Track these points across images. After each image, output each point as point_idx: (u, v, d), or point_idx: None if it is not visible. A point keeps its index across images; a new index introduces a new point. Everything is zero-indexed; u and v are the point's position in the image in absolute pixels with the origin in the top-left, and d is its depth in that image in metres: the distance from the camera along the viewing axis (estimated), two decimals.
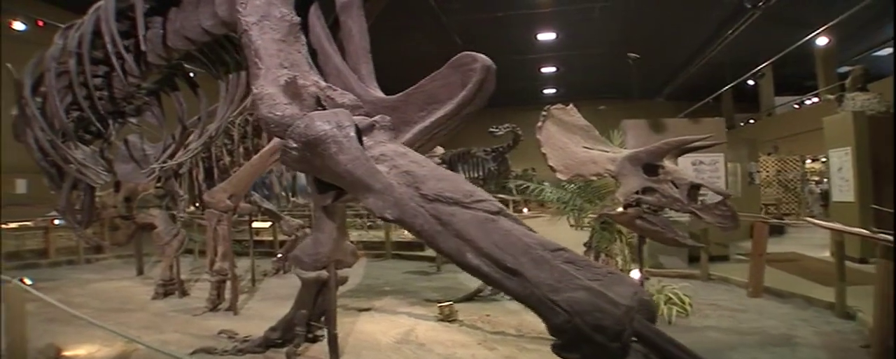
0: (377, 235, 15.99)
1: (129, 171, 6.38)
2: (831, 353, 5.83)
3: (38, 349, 5.97)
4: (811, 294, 7.89)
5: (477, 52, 2.81)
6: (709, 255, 9.93)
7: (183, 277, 9.70)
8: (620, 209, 5.35)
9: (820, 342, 6.14)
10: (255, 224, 12.25)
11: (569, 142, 5.88)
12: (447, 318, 7.26)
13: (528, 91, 35.15)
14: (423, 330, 6.92)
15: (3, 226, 13.33)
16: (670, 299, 7.20)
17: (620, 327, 1.93)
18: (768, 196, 20.61)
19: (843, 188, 11.21)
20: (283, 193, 10.72)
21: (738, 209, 4.96)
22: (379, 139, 2.71)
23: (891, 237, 5.62)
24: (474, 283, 8.64)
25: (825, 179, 20.11)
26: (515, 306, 7.67)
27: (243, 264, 10.01)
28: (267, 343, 5.83)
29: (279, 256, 11.77)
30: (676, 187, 4.99)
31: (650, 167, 5.20)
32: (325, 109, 2.88)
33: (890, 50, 25.29)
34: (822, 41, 21.68)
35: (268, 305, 8.45)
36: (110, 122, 5.77)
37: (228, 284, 8.16)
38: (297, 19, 3.27)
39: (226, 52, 4.85)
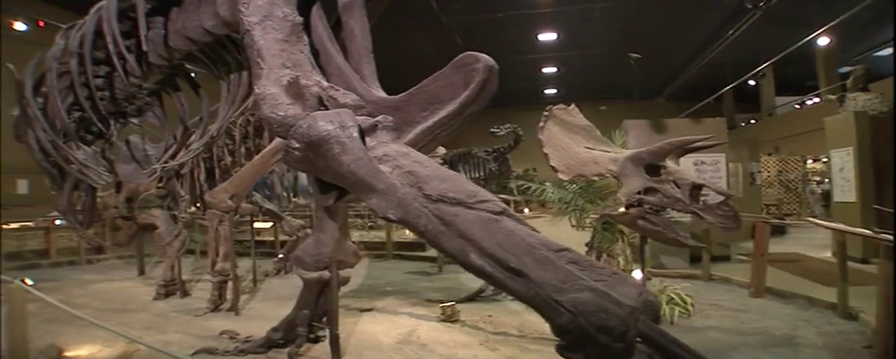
0: (378, 235, 15.98)
1: (130, 171, 6.38)
2: (834, 353, 5.81)
3: (39, 350, 5.96)
4: (813, 295, 7.88)
5: (478, 52, 2.81)
6: (710, 255, 9.91)
7: (184, 277, 9.69)
8: (622, 209, 5.34)
9: (822, 343, 6.13)
10: (256, 224, 12.24)
11: (571, 142, 5.87)
12: (449, 318, 7.25)
13: (528, 91, 35.12)
14: (425, 330, 6.91)
15: (5, 226, 13.32)
16: (672, 299, 7.19)
17: (625, 327, 1.93)
18: (769, 196, 20.60)
19: (845, 188, 11.20)
20: (285, 194, 10.71)
21: (740, 210, 4.95)
22: (382, 139, 2.71)
23: (893, 237, 5.62)
24: (476, 283, 8.64)
25: (826, 180, 20.11)
26: (517, 306, 7.66)
27: (245, 265, 10.00)
28: (269, 344, 5.82)
29: (280, 256, 11.77)
30: (678, 188, 4.98)
31: (652, 167, 5.19)
32: (327, 110, 2.87)
33: (890, 50, 25.26)
34: (823, 41, 21.69)
35: (269, 305, 8.44)
36: (112, 122, 5.77)
37: (230, 284, 8.14)
38: (300, 19, 3.26)
39: (227, 52, 4.85)
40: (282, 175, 10.48)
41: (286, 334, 5.72)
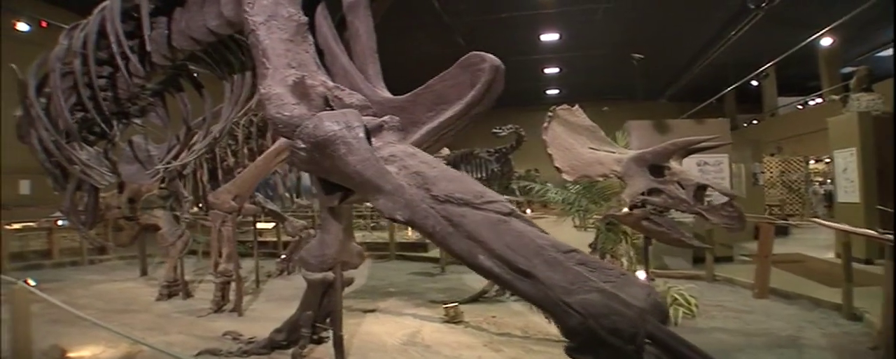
0: (381, 236, 15.98)
1: (133, 172, 6.39)
2: (839, 355, 5.79)
3: (42, 351, 5.95)
4: (817, 295, 7.85)
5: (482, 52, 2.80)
6: (714, 256, 9.89)
7: (187, 278, 9.68)
8: (626, 210, 5.33)
9: (827, 344, 6.10)
10: (259, 225, 12.23)
11: (575, 143, 5.86)
12: (453, 319, 7.23)
13: (531, 92, 35.10)
14: (429, 331, 6.89)
15: (7, 227, 13.31)
16: (676, 300, 7.17)
17: (635, 329, 1.91)
18: (772, 197, 20.58)
19: (848, 189, 11.18)
20: (288, 194, 10.69)
21: (742, 210, 4.93)
22: (388, 140, 2.69)
23: (894, 237, 5.62)
24: (479, 284, 8.62)
25: (829, 180, 20.10)
26: (521, 307, 7.65)
27: (247, 265, 9.98)
28: (272, 345, 5.81)
29: (283, 257, 11.76)
30: (683, 188, 4.97)
31: (656, 168, 5.19)
32: (333, 110, 2.86)
33: (892, 51, 25.24)
34: (825, 42, 21.66)
35: (272, 306, 8.43)
36: (115, 122, 5.76)
37: (233, 285, 8.13)
38: (305, 19, 3.25)
39: (230, 52, 4.85)
40: (284, 176, 10.46)
41: (290, 335, 5.70)
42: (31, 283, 5.23)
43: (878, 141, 10.62)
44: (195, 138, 5.77)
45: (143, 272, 11.81)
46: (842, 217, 10.98)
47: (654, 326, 1.97)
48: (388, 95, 3.23)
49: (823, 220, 14.07)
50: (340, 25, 3.70)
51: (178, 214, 9.52)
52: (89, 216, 6.89)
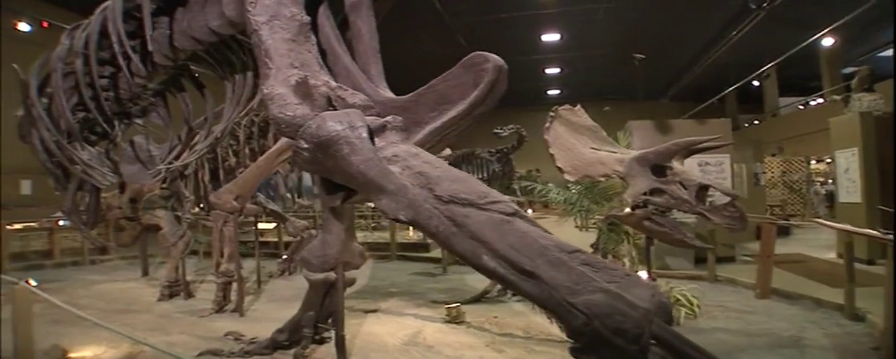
0: (382, 236, 15.97)
1: (134, 172, 6.38)
2: (841, 355, 5.78)
3: (43, 351, 5.95)
4: (819, 296, 7.84)
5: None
6: (715, 256, 9.88)
7: (188, 278, 9.68)
8: (628, 210, 5.32)
9: (830, 344, 6.09)
10: (260, 225, 12.23)
11: (577, 143, 5.86)
12: (454, 320, 7.23)
13: (532, 92, 35.07)
14: (431, 332, 6.89)
15: (8, 227, 13.31)
16: (678, 300, 7.16)
17: (640, 329, 1.90)
18: (773, 197, 20.56)
19: (850, 189, 11.17)
20: (289, 195, 10.69)
21: (744, 210, 4.92)
22: (391, 140, 2.69)
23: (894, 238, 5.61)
24: (480, 284, 8.61)
25: (830, 180, 20.08)
26: (523, 307, 7.65)
27: (249, 266, 9.98)
28: (274, 345, 5.80)
29: (285, 257, 11.75)
30: (685, 189, 4.96)
31: (658, 168, 5.18)
32: (336, 110, 2.86)
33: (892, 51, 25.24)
34: (827, 42, 21.64)
35: (274, 306, 8.42)
36: (116, 122, 5.76)
37: (234, 285, 8.12)
38: (307, 19, 3.25)
39: (232, 52, 4.85)
40: (286, 176, 10.46)
41: (291, 335, 5.69)
42: (32, 283, 5.22)
43: (881, 141, 10.61)
44: (197, 138, 5.76)
45: (145, 272, 11.80)
46: (843, 217, 10.97)
47: (659, 326, 1.96)
48: (390, 95, 3.22)
49: (825, 220, 14.06)
50: (343, 25, 3.70)
51: (179, 214, 9.51)
52: (91, 216, 6.89)
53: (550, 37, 25.27)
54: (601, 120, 6.52)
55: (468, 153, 12.06)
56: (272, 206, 10.81)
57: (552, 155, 5.67)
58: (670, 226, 5.17)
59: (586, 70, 31.47)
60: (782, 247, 11.58)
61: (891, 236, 5.82)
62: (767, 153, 22.27)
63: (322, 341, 5.77)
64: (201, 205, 9.32)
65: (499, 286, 8.25)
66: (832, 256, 11.41)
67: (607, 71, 30.77)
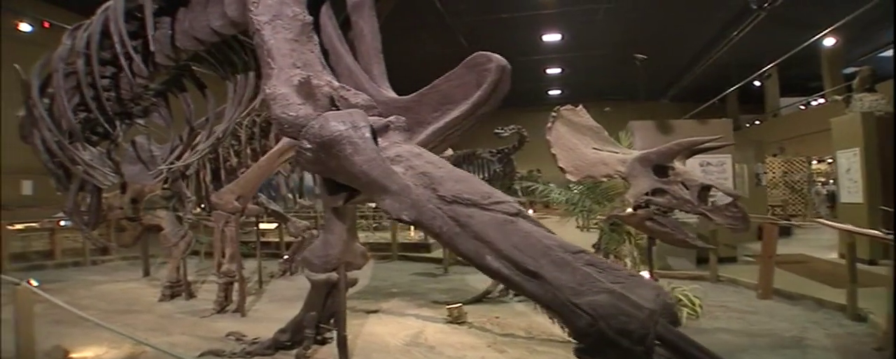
0: (383, 236, 15.98)
1: (136, 172, 6.37)
2: (844, 355, 5.77)
3: (45, 351, 5.95)
4: (820, 296, 7.83)
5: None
6: (717, 256, 9.87)
7: (190, 278, 9.68)
8: (630, 210, 5.32)
9: (832, 345, 6.09)
10: (262, 225, 12.23)
11: (578, 143, 5.85)
12: (456, 320, 7.22)
13: (533, 92, 35.07)
14: (432, 332, 6.88)
15: (10, 227, 13.32)
16: (680, 300, 7.16)
17: (645, 330, 1.90)
18: (774, 197, 20.56)
19: (852, 189, 11.16)
20: (290, 195, 10.69)
21: (746, 211, 4.91)
22: (394, 140, 2.68)
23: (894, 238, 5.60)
24: (482, 284, 8.61)
25: (831, 181, 20.07)
26: (525, 307, 7.65)
27: (250, 266, 9.97)
28: (276, 345, 5.79)
29: (286, 257, 11.76)
30: (687, 189, 4.95)
31: (660, 168, 5.17)
32: (338, 110, 2.85)
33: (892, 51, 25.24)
34: (828, 42, 21.63)
35: (275, 306, 8.42)
36: (118, 123, 5.75)
37: (236, 285, 8.12)
38: (310, 18, 3.24)
39: (234, 52, 4.84)
40: (287, 176, 10.46)
41: (293, 335, 5.69)
42: (34, 283, 5.22)
43: (882, 141, 10.60)
44: (198, 139, 5.76)
45: (146, 273, 11.81)
46: (845, 218, 10.96)
47: (664, 327, 1.96)
48: (393, 95, 3.21)
49: (826, 220, 14.05)
50: (345, 25, 3.69)
51: (180, 214, 9.51)
52: (92, 217, 6.88)
53: (551, 37, 25.29)
54: (602, 120, 6.52)
55: (469, 154, 12.05)
56: (274, 206, 10.81)
57: (554, 155, 5.66)
58: (672, 226, 5.16)
59: (587, 70, 31.48)
60: (784, 247, 11.58)
61: (892, 236, 5.82)
62: (769, 153, 22.28)
63: (324, 342, 5.77)
64: (203, 205, 9.32)
65: (500, 286, 8.25)
66: (834, 256, 11.40)
67: (608, 71, 30.78)
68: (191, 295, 9.31)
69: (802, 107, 31.04)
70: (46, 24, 17.29)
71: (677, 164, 5.17)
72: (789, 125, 28.69)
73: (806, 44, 19.49)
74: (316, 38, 3.27)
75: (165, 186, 9.19)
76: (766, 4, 17.94)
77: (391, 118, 2.78)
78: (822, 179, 23.28)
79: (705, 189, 4.90)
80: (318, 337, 5.66)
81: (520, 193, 13.28)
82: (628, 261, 7.78)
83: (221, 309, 8.09)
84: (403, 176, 2.40)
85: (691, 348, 1.94)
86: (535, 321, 6.97)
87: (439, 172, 2.40)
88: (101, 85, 5.24)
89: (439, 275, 11.33)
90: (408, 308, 8.23)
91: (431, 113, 2.87)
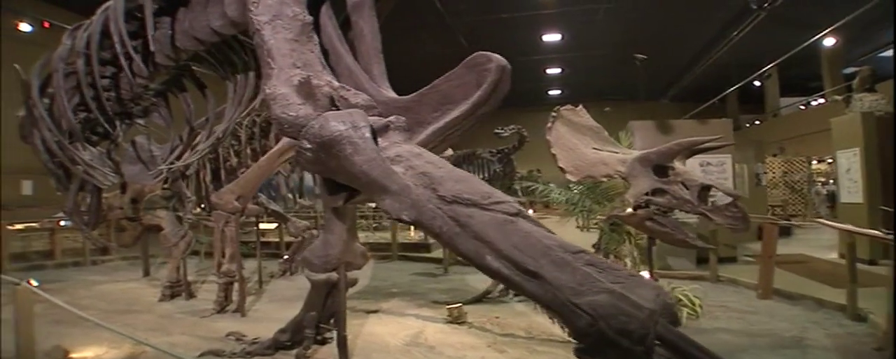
0: (383, 236, 15.98)
1: (136, 172, 6.37)
2: (844, 356, 5.77)
3: (45, 351, 5.95)
4: (821, 296, 7.83)
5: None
6: (717, 256, 9.87)
7: (190, 278, 9.67)
8: (630, 210, 5.32)
9: (832, 345, 6.09)
10: (262, 225, 12.23)
11: (579, 143, 5.85)
12: (456, 320, 7.22)
13: (532, 92, 35.07)
14: (432, 332, 6.88)
15: (9, 227, 13.32)
16: (680, 300, 7.16)
17: (645, 330, 1.90)
18: (774, 198, 20.57)
19: (852, 190, 11.16)
20: (290, 195, 10.69)
21: (746, 211, 4.91)
22: (394, 140, 2.68)
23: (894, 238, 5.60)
24: (482, 284, 8.61)
25: (831, 181, 20.08)
26: (524, 307, 7.65)
27: (250, 266, 9.97)
28: (276, 345, 5.79)
29: (286, 257, 11.76)
30: (687, 189, 4.95)
31: (660, 169, 5.17)
32: (338, 110, 2.85)
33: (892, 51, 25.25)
34: (828, 42, 21.63)
35: (275, 306, 8.42)
36: (118, 123, 5.75)
37: (236, 285, 8.12)
38: (310, 18, 3.24)
39: (234, 52, 4.84)
40: (287, 176, 10.46)
41: (293, 335, 5.69)
42: (34, 283, 5.22)
43: (882, 141, 10.60)
44: (198, 139, 5.76)
45: (146, 273, 11.81)
46: (845, 218, 10.97)
47: (664, 327, 1.96)
48: (393, 95, 3.21)
49: (826, 220, 14.06)
50: (344, 25, 3.69)
51: (180, 214, 9.51)
52: (92, 217, 6.88)
53: (551, 37, 25.29)
54: (602, 120, 6.52)
55: (469, 154, 12.06)
56: (273, 206, 10.81)
57: (554, 155, 5.66)
58: (672, 226, 5.16)
59: (587, 70, 31.49)
60: (783, 247, 11.58)
61: (892, 236, 5.82)
62: (768, 153, 22.28)
63: (324, 342, 5.77)
64: (203, 205, 9.32)
65: (500, 286, 8.25)
66: (833, 256, 11.41)
67: (608, 71, 30.79)
68: (191, 295, 9.31)
69: (802, 107, 31.05)
70: (46, 24, 17.29)
71: (677, 164, 5.17)
72: (789, 125, 28.70)
73: (806, 44, 19.50)
74: (316, 38, 3.27)
75: (165, 186, 9.19)
76: (766, 4, 17.94)
77: (391, 118, 2.78)
78: (822, 179, 23.30)
79: (705, 189, 4.90)
80: (318, 337, 5.66)
81: (520, 193, 13.29)
82: (628, 261, 7.78)
83: (221, 309, 8.09)
84: (403, 176, 2.40)
85: (691, 348, 1.94)
86: (535, 321, 6.97)
87: (439, 172, 2.40)
88: (101, 85, 5.23)
89: (439, 275, 11.33)
90: (408, 308, 8.23)
91: (431, 113, 2.87)
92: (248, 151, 9.04)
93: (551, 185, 10.07)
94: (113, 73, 5.33)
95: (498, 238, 2.14)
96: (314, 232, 11.01)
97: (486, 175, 11.86)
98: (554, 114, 5.95)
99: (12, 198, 16.44)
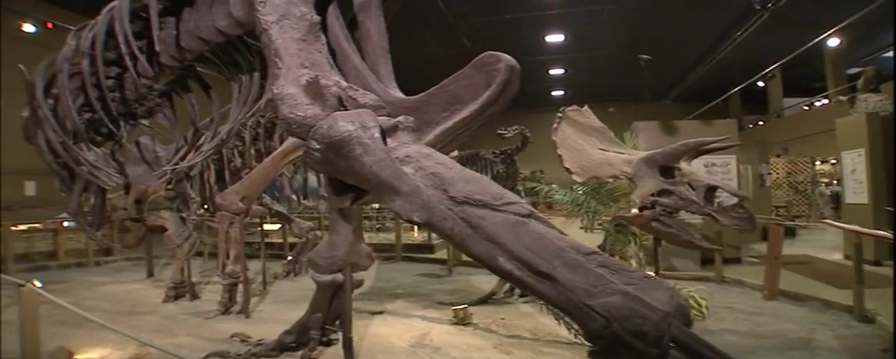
0: (387, 237, 15.96)
1: (140, 173, 6.37)
2: (851, 357, 5.74)
3: (49, 353, 5.93)
4: (826, 297, 7.79)
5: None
6: (722, 257, 9.84)
7: (194, 279, 9.65)
8: (636, 211, 5.30)
9: (839, 346, 6.05)
10: (266, 226, 12.22)
11: (585, 144, 5.83)
12: (461, 321, 7.19)
13: (536, 93, 35.06)
14: (438, 333, 6.85)
15: (13, 228, 13.32)
16: (686, 301, 7.12)
17: (660, 332, 1.88)
18: (778, 198, 20.54)
19: (857, 190, 11.12)
20: (294, 196, 10.68)
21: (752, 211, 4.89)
22: (403, 140, 2.67)
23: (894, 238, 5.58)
24: (487, 286, 8.59)
25: (835, 181, 20.04)
26: (530, 309, 7.62)
27: (255, 267, 9.95)
28: (281, 347, 5.77)
29: (290, 258, 11.74)
30: (693, 189, 4.93)
31: (666, 169, 5.15)
32: (347, 110, 2.83)
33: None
34: (832, 42, 21.58)
35: (279, 307, 8.40)
36: (122, 123, 5.74)
37: (240, 286, 8.10)
38: (317, 18, 3.23)
39: (239, 53, 4.83)
40: (291, 177, 10.45)
41: (299, 337, 5.67)
42: (38, 284, 5.20)
43: (887, 142, 10.57)
44: (203, 139, 5.75)
45: (150, 274, 11.79)
46: (850, 218, 10.93)
47: (678, 329, 1.94)
48: (400, 95, 3.20)
49: (831, 221, 14.03)
50: (351, 25, 3.68)
51: (184, 215, 9.49)
52: (96, 217, 6.87)
53: (554, 38, 25.28)
54: (605, 121, 6.49)
55: (472, 154, 12.04)
56: (278, 207, 10.79)
57: (560, 156, 5.64)
58: (678, 227, 5.14)
59: (590, 71, 31.46)
60: (788, 248, 11.55)
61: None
62: (772, 154, 22.24)
63: (329, 343, 5.75)
64: (207, 206, 9.30)
65: (506, 287, 8.23)
66: (838, 257, 11.38)
67: (611, 72, 30.77)
68: (195, 296, 9.29)
69: (806, 107, 30.99)
70: (50, 25, 17.30)
71: (683, 164, 5.14)
72: (793, 126, 28.64)
73: (810, 44, 19.46)
74: (323, 38, 3.26)
75: (169, 186, 9.18)
76: (769, 5, 17.90)
77: (400, 118, 2.77)
78: (826, 180, 23.24)
79: (711, 190, 4.88)
80: (324, 339, 5.64)
81: (523, 195, 13.29)
82: (633, 262, 7.74)
83: (226, 310, 8.06)
84: (413, 177, 2.39)
85: (705, 349, 1.93)
86: (541, 323, 6.94)
87: (450, 172, 2.38)
88: (105, 85, 5.23)
89: (443, 276, 11.31)
90: (413, 309, 8.20)
91: (440, 113, 2.86)
92: (253, 151, 9.03)
93: (555, 186, 10.04)
94: (117, 74, 5.33)
95: (510, 239, 2.12)
96: (318, 233, 11.00)
97: (490, 176, 11.84)
98: (560, 114, 5.93)
99: (16, 199, 16.45)
